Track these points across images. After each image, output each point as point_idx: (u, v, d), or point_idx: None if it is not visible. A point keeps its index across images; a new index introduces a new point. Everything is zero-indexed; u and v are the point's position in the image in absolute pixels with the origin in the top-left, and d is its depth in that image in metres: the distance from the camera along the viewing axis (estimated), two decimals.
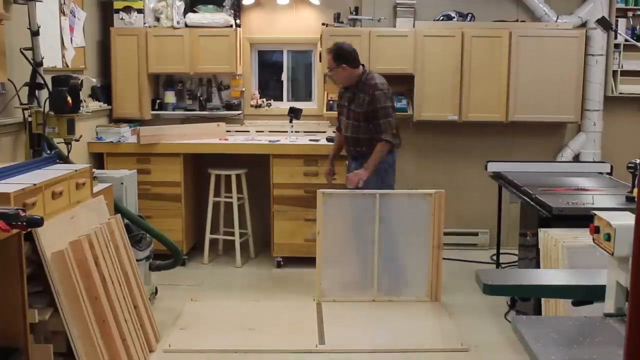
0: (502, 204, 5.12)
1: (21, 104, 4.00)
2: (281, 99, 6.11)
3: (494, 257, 5.39)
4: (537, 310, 3.56)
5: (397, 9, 5.76)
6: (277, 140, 5.44)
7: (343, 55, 4.53)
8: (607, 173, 4.79)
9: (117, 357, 3.28)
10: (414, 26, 5.66)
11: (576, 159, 5.88)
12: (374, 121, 4.51)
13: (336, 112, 5.69)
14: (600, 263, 3.13)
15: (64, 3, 4.78)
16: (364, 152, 4.57)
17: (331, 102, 5.76)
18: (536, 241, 3.65)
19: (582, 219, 3.05)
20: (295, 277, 5.08)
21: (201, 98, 5.92)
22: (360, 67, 4.59)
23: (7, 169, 3.26)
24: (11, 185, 2.97)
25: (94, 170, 3.93)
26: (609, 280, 2.29)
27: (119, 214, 3.98)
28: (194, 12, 5.69)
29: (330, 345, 3.87)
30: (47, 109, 3.96)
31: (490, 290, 2.56)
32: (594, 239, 2.36)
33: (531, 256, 3.88)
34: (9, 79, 3.85)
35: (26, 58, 3.97)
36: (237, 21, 5.73)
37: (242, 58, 5.86)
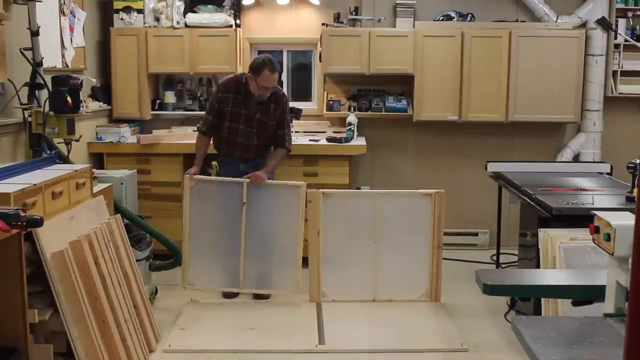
0: (502, 204, 5.12)
1: (21, 104, 4.00)
2: None
3: (494, 257, 5.39)
4: (537, 310, 3.56)
5: (397, 9, 5.76)
6: None
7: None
8: (607, 173, 4.79)
9: (117, 357, 3.28)
10: (413, 26, 5.66)
11: (576, 159, 5.88)
12: (279, 130, 4.53)
13: (333, 113, 5.76)
14: (597, 263, 3.14)
15: (64, 3, 4.78)
16: (252, 157, 4.56)
17: (331, 102, 5.76)
18: (536, 241, 3.65)
19: (582, 219, 3.05)
20: None
21: (201, 98, 5.92)
22: None
23: (7, 169, 3.26)
24: (11, 185, 2.97)
25: (93, 170, 3.93)
26: (609, 280, 2.29)
27: (119, 214, 3.98)
28: (194, 12, 5.70)
29: (330, 345, 3.87)
30: (47, 109, 3.96)
31: (490, 290, 2.56)
32: (594, 239, 2.36)
33: (531, 256, 3.88)
34: (9, 79, 3.85)
35: (26, 58, 3.97)
36: (237, 21, 5.73)
37: (242, 58, 5.85)
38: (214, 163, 4.74)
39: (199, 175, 4.54)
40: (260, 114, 4.46)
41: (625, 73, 5.79)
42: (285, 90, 6.09)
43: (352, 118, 5.61)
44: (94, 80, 5.15)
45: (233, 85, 4.48)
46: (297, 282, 4.53)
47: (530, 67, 5.56)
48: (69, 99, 3.94)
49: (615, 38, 5.70)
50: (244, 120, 4.46)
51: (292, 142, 4.69)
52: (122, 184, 4.39)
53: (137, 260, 4.07)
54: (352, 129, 5.58)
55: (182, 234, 4.58)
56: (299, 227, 4.51)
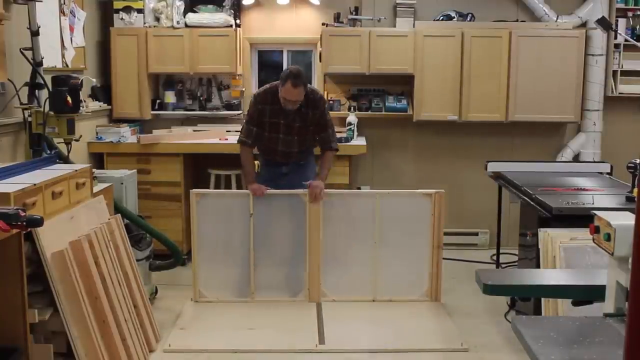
0: (502, 204, 5.12)
1: (21, 104, 4.01)
2: None
3: (494, 257, 5.39)
4: (537, 310, 3.56)
5: (397, 9, 5.76)
6: None
7: (307, 81, 4.34)
8: (607, 173, 4.79)
9: (117, 357, 3.28)
10: (414, 26, 5.66)
11: (576, 159, 5.88)
12: (322, 132, 4.42)
13: (334, 113, 5.75)
14: (597, 263, 3.14)
15: (64, 3, 4.78)
16: (294, 160, 4.51)
17: (331, 102, 5.76)
18: (536, 241, 3.65)
19: (582, 219, 3.05)
20: None
21: (201, 98, 5.93)
22: None
23: (7, 169, 3.26)
24: (11, 185, 2.97)
25: (94, 170, 3.93)
26: (609, 280, 2.29)
27: (119, 214, 3.98)
28: (194, 12, 5.70)
29: (330, 345, 3.87)
30: (47, 109, 3.96)
31: (490, 290, 2.56)
32: (594, 239, 2.36)
33: (531, 256, 3.88)
34: (9, 79, 3.86)
35: (26, 58, 3.97)
36: (237, 21, 5.74)
37: (242, 58, 5.86)
38: (256, 162, 4.72)
39: (202, 190, 4.55)
40: (299, 122, 4.37)
41: (625, 73, 5.79)
42: None
43: (352, 118, 5.61)
44: (94, 80, 5.14)
45: (269, 96, 4.36)
46: (308, 289, 4.54)
47: (530, 67, 5.56)
48: (69, 98, 3.94)
49: (615, 38, 5.70)
50: (284, 129, 4.38)
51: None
52: (122, 183, 4.39)
53: (137, 260, 4.07)
54: (352, 128, 5.58)
55: (191, 247, 4.59)
56: (306, 234, 4.50)
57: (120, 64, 5.64)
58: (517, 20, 5.79)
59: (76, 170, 3.55)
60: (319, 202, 4.43)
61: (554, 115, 5.67)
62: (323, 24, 5.68)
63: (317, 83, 6.02)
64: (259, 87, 6.07)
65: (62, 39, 4.76)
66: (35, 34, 3.97)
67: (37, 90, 4.04)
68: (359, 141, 5.58)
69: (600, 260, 3.04)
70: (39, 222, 2.66)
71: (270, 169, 4.57)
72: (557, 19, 5.73)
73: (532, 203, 3.88)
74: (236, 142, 4.53)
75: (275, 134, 4.41)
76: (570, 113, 5.66)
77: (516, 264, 5.07)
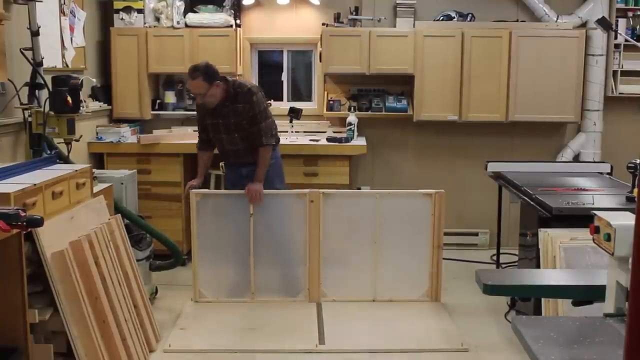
0: (502, 204, 5.12)
1: (21, 104, 4.01)
2: (281, 99, 6.10)
3: (494, 257, 5.39)
4: (537, 310, 3.56)
5: (397, 9, 5.76)
6: None
7: (213, 73, 4.24)
8: (607, 173, 4.79)
9: (117, 357, 3.29)
10: (414, 26, 5.66)
11: (576, 159, 5.88)
12: (253, 127, 4.34)
13: (334, 113, 5.76)
14: (597, 263, 3.15)
15: (64, 3, 4.78)
16: (251, 160, 4.43)
17: (331, 102, 5.77)
18: (536, 241, 3.65)
19: (582, 219, 3.05)
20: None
21: None
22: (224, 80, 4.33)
23: (7, 169, 3.26)
24: (11, 185, 2.98)
25: (94, 170, 3.93)
26: (609, 280, 2.29)
27: (119, 214, 3.98)
28: (194, 12, 5.70)
29: (330, 345, 3.87)
30: (47, 109, 3.97)
31: (490, 290, 2.56)
32: (594, 239, 2.36)
33: (531, 256, 3.89)
34: (9, 79, 3.86)
35: (26, 58, 3.98)
36: (237, 21, 5.73)
37: (242, 58, 5.86)
38: (221, 164, 4.77)
39: (202, 190, 4.55)
40: (234, 118, 4.35)
41: (625, 73, 5.79)
42: (285, 90, 6.12)
43: (352, 118, 5.61)
44: (94, 80, 5.14)
45: None
46: (308, 289, 4.54)
47: (530, 67, 5.56)
48: (69, 99, 3.95)
49: (616, 38, 5.70)
50: (224, 129, 4.40)
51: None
52: (122, 184, 4.39)
53: (138, 260, 4.07)
54: (353, 129, 5.58)
55: (191, 247, 4.58)
56: (306, 234, 4.50)
57: (120, 64, 5.64)
58: (517, 20, 5.79)
59: (76, 171, 3.55)
60: (257, 200, 4.40)
61: (554, 115, 5.67)
62: (323, 24, 5.68)
63: (317, 83, 6.02)
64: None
65: (62, 39, 4.76)
66: (35, 34, 3.97)
67: (37, 90, 4.04)
68: (359, 141, 5.58)
69: (600, 260, 3.04)
70: (39, 222, 2.66)
71: (232, 171, 4.61)
72: (557, 19, 5.73)
73: (532, 203, 3.88)
74: None
75: (218, 134, 4.45)
76: (571, 113, 5.66)
77: (516, 264, 5.07)
